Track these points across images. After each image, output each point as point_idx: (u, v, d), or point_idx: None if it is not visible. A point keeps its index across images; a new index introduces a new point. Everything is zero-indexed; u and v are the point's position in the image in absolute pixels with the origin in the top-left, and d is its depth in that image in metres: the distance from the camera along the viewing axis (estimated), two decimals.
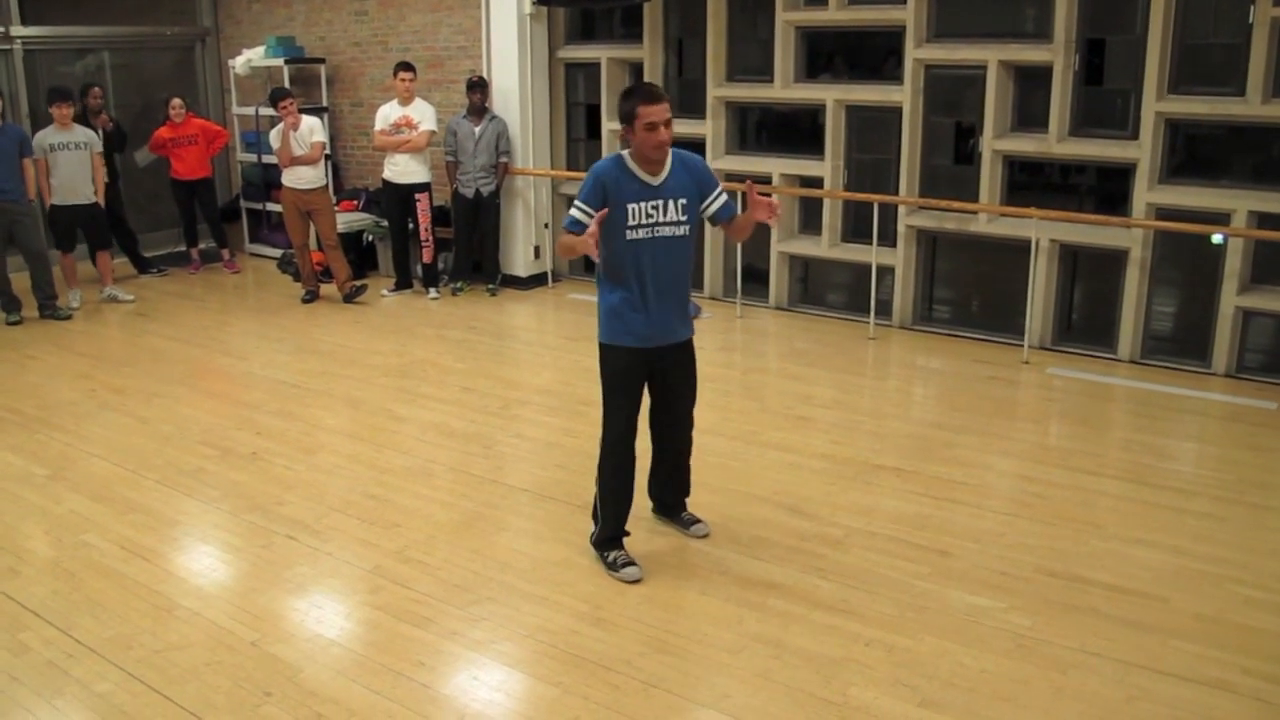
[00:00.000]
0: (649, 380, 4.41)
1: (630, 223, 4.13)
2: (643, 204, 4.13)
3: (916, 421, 6.30)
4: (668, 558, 4.55)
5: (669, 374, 4.42)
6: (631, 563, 4.40)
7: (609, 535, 4.48)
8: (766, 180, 8.41)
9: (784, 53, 8.26)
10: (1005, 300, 7.80)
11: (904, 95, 7.77)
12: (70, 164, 8.66)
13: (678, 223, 4.20)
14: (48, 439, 6.02)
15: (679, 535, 4.74)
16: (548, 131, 9.59)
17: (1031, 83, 7.41)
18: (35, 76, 10.43)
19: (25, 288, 8.56)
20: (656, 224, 4.16)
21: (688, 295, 4.43)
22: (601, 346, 4.36)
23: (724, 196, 4.33)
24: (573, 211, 4.15)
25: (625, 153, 4.19)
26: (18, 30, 10.31)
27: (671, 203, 4.17)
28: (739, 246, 8.38)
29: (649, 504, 4.86)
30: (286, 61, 10.43)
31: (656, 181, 4.15)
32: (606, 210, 4.08)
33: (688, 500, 4.84)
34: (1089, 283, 7.62)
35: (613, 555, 4.44)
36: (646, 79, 8.94)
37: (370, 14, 10.43)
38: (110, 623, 4.06)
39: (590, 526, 4.58)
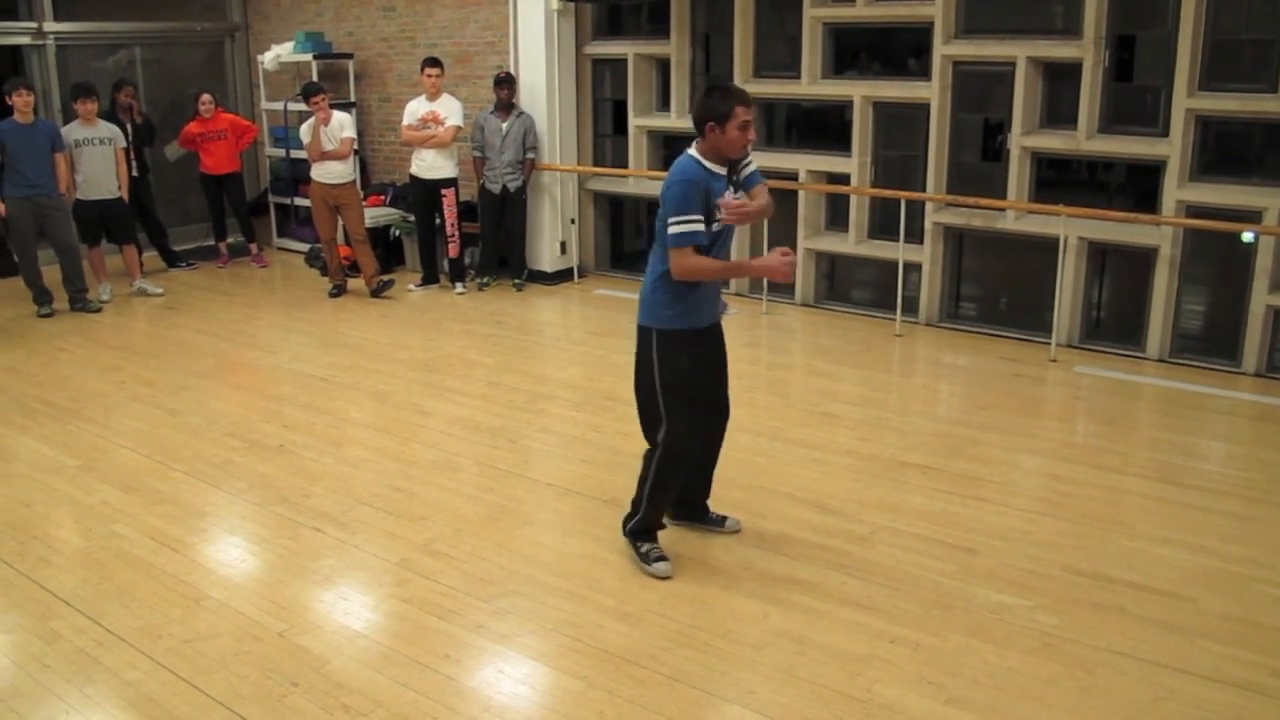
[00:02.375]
0: None
1: (718, 215, 4.10)
2: (727, 195, 4.12)
3: (943, 419, 6.28)
4: (693, 553, 4.55)
5: (709, 356, 4.38)
6: (664, 557, 4.37)
7: (649, 525, 4.43)
8: (793, 177, 8.39)
9: (811, 49, 8.24)
10: (1033, 298, 7.77)
11: (932, 92, 7.74)
12: (95, 159, 8.74)
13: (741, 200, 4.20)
14: (78, 430, 6.08)
15: (704, 531, 4.73)
16: (575, 127, 9.60)
17: (1060, 79, 7.36)
18: (67, 72, 10.54)
19: (56, 280, 8.64)
20: None
21: None
22: (661, 334, 4.24)
23: (753, 163, 4.31)
24: (688, 228, 4.01)
25: (694, 152, 4.12)
26: (50, 26, 10.42)
27: (733, 188, 4.18)
28: (765, 242, 8.38)
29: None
30: (315, 57, 10.48)
31: (725, 171, 4.15)
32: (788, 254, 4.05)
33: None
34: (1117, 281, 7.57)
35: (647, 547, 4.40)
36: (674, 75, 8.95)
37: (398, 10, 10.47)
38: (140, 612, 4.10)
39: (617, 516, 4.56)
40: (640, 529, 4.46)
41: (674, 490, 4.44)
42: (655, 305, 4.27)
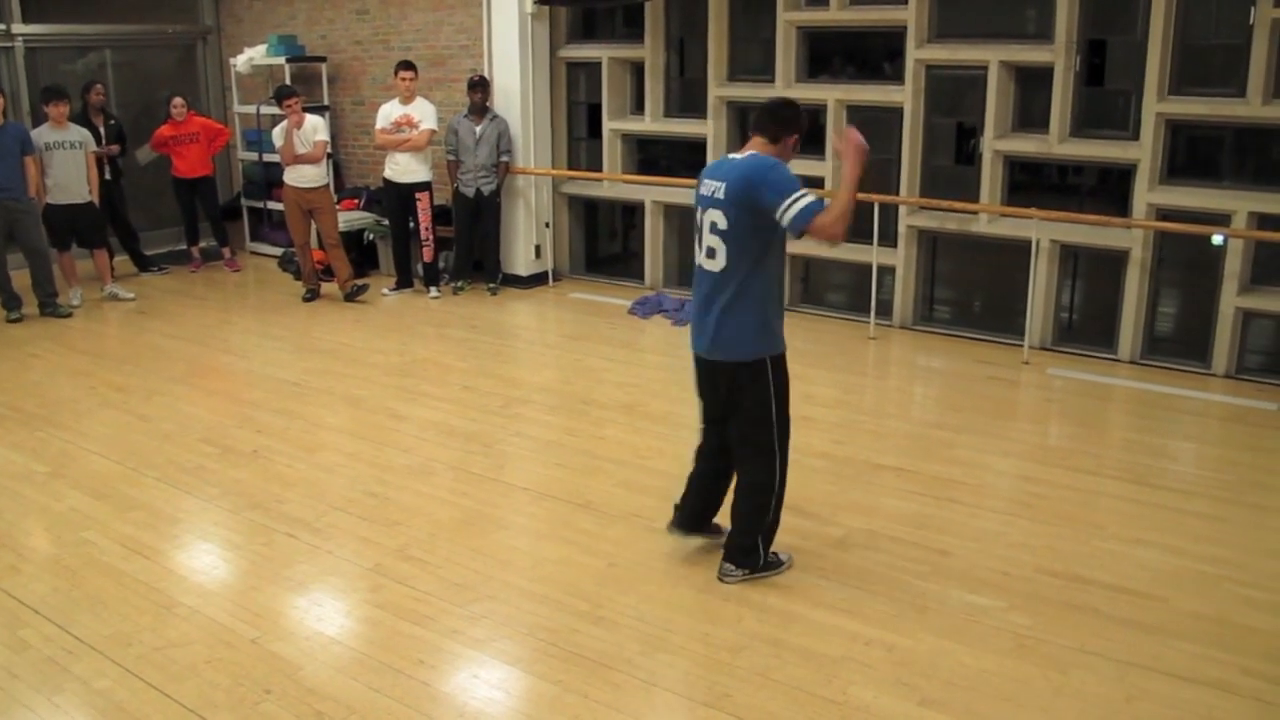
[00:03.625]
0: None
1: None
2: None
3: (917, 421, 6.30)
4: (668, 556, 4.54)
5: None
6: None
7: (769, 545, 4.35)
8: None
9: (785, 53, 8.26)
10: (1006, 301, 7.81)
11: (905, 95, 7.77)
12: (66, 163, 8.66)
13: None
14: (48, 436, 6.02)
15: (678, 534, 4.71)
16: (549, 131, 9.59)
17: (1032, 83, 7.41)
18: (36, 74, 10.43)
19: (26, 285, 8.55)
20: None
21: None
22: (775, 360, 4.15)
23: None
24: (809, 197, 3.89)
25: (764, 154, 4.08)
26: (19, 28, 10.32)
27: None
28: None
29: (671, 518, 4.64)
30: (288, 60, 10.43)
31: None
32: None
33: None
34: (1089, 283, 7.62)
35: (773, 553, 4.35)
36: (648, 79, 8.96)
37: (372, 13, 10.43)
38: (110, 620, 4.06)
39: (591, 519, 4.55)
40: (765, 557, 4.33)
41: None
42: (757, 331, 4.08)
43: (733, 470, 4.39)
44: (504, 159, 9.07)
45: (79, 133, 8.79)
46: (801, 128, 4.08)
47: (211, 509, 5.09)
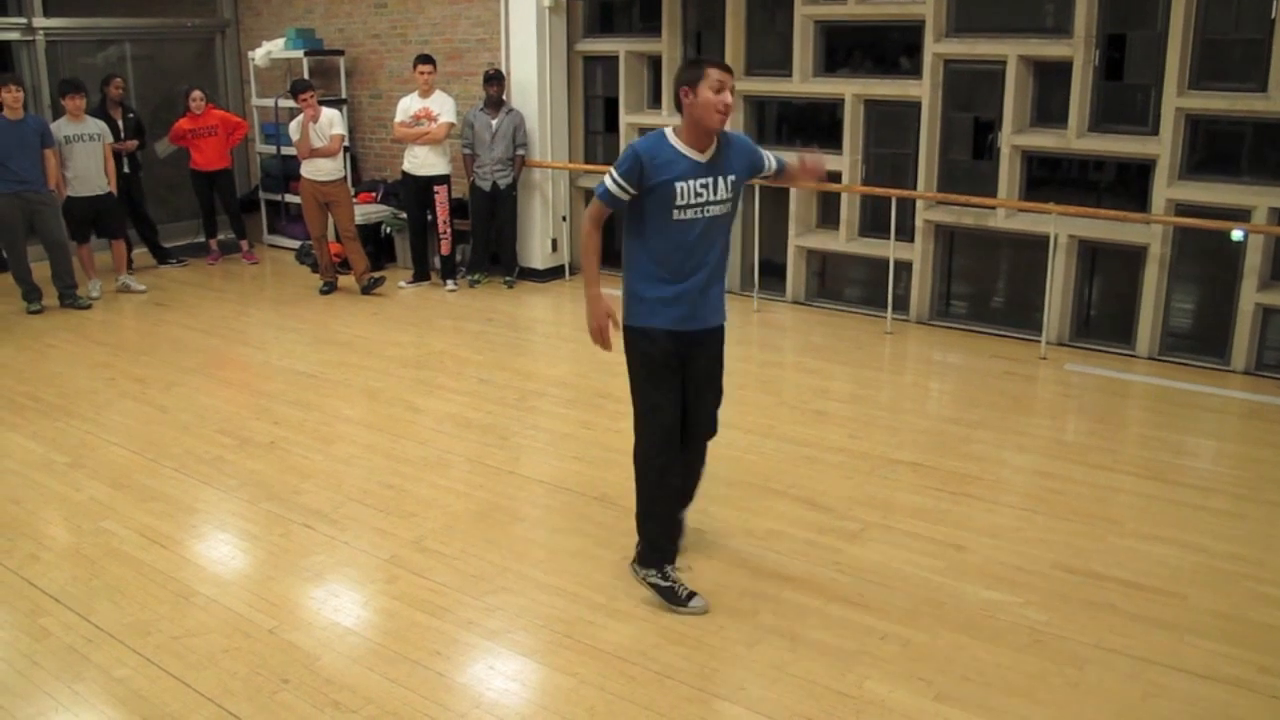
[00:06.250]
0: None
1: (679, 202, 3.89)
2: (692, 182, 3.89)
3: (933, 416, 6.29)
4: (682, 551, 4.54)
5: (696, 363, 4.14)
6: (695, 593, 4.11)
7: (656, 549, 4.17)
8: None
9: (803, 47, 8.25)
10: (1023, 296, 7.79)
11: (923, 90, 7.75)
12: (84, 155, 8.71)
13: (725, 200, 3.98)
14: (68, 427, 6.06)
15: (696, 529, 4.71)
16: (566, 124, 9.60)
17: (1051, 78, 7.38)
18: (57, 67, 10.49)
19: (45, 277, 8.60)
20: (707, 202, 3.91)
21: (724, 278, 4.18)
22: (630, 330, 4.09)
23: (772, 160, 4.17)
24: (607, 183, 3.91)
25: (669, 130, 3.95)
26: (40, 21, 10.37)
27: (722, 180, 3.95)
28: (756, 240, 8.43)
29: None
30: (306, 53, 10.47)
31: (705, 158, 3.91)
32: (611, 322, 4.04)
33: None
34: (1107, 279, 7.59)
35: (668, 576, 4.14)
36: (665, 73, 8.95)
37: (389, 6, 10.45)
38: (129, 609, 4.09)
39: (608, 512, 4.56)
40: (648, 556, 4.24)
41: (669, 499, 4.24)
42: (625, 298, 4.15)
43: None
44: (520, 152, 9.09)
45: (96, 125, 8.84)
46: (696, 74, 3.85)
47: (229, 500, 5.12)
